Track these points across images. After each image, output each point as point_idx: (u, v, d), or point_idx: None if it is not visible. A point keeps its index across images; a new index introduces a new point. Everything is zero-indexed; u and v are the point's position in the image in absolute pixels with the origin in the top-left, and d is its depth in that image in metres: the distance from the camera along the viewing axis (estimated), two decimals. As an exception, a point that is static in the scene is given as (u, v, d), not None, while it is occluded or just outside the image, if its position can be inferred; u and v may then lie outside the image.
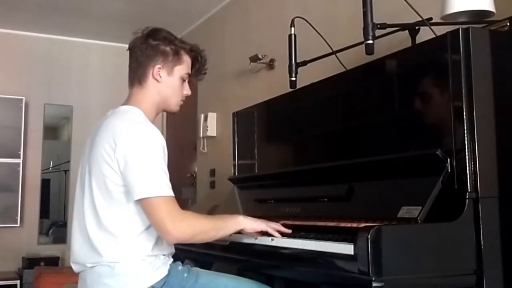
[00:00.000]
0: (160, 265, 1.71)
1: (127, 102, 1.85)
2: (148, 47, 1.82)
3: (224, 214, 1.99)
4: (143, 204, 1.64)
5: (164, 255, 1.75)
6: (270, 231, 1.80)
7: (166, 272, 1.70)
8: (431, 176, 1.58)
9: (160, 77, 1.82)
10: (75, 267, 1.78)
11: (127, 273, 1.66)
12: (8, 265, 4.84)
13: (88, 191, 1.73)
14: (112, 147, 1.67)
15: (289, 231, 1.82)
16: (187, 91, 1.91)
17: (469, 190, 1.52)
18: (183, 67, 1.86)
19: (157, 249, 1.72)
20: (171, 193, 1.65)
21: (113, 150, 1.66)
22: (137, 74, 1.84)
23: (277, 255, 1.76)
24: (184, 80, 1.88)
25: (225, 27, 4.35)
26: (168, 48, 1.83)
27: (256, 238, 1.86)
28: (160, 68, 1.82)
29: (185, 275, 1.74)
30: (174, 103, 1.89)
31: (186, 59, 1.87)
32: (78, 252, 1.75)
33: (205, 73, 1.96)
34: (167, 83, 1.84)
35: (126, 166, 1.64)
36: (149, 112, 1.82)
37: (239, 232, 1.84)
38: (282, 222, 1.91)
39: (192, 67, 1.91)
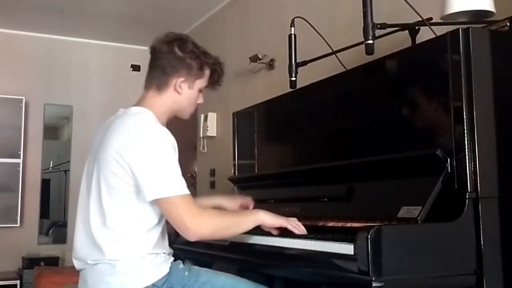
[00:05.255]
0: (161, 263, 1.72)
1: (140, 103, 1.85)
2: (174, 58, 1.82)
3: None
4: (160, 204, 1.66)
5: (164, 253, 1.76)
6: (290, 227, 1.80)
7: (167, 270, 1.71)
8: (431, 176, 1.58)
9: (181, 89, 1.84)
10: (76, 264, 1.79)
11: (128, 271, 1.67)
12: (8, 265, 4.84)
13: (95, 189, 1.73)
14: (124, 148, 1.67)
15: (305, 232, 1.80)
16: (200, 100, 1.93)
17: (469, 190, 1.52)
18: (203, 81, 1.89)
19: (158, 248, 1.73)
20: (187, 191, 1.67)
21: (125, 150, 1.66)
22: (157, 80, 1.84)
23: (277, 255, 1.76)
24: (200, 91, 1.91)
25: (225, 27, 4.35)
26: (194, 63, 1.84)
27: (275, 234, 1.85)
28: (183, 81, 1.83)
29: (186, 273, 1.75)
30: (188, 112, 1.93)
31: (207, 73, 1.89)
32: (80, 248, 1.76)
33: (220, 84, 1.98)
34: (186, 95, 1.86)
35: (139, 166, 1.65)
36: (160, 117, 1.82)
37: (258, 227, 1.83)
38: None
39: (209, 78, 1.92)
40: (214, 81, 1.94)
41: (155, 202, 1.67)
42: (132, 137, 1.68)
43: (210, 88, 1.95)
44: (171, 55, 1.82)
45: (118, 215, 1.69)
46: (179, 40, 1.85)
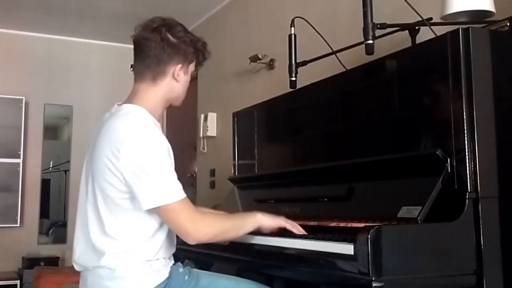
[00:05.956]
0: (161, 267, 1.69)
1: (132, 99, 1.76)
2: (169, 45, 1.75)
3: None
4: (158, 211, 1.63)
5: (165, 258, 1.73)
6: (289, 227, 1.80)
7: (167, 275, 1.69)
8: (431, 176, 1.58)
9: (179, 76, 1.78)
10: (76, 267, 1.77)
11: (128, 275, 1.65)
12: (8, 265, 4.84)
13: (92, 195, 1.70)
14: (115, 155, 1.61)
15: (304, 232, 1.80)
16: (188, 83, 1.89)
17: (469, 190, 1.52)
18: (194, 64, 1.85)
19: (160, 254, 1.70)
20: (184, 195, 1.63)
21: (117, 158, 1.61)
22: (153, 71, 1.75)
23: (277, 255, 1.76)
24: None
25: (225, 27, 4.35)
26: (188, 48, 1.79)
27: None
28: (181, 67, 1.78)
29: (186, 277, 1.73)
30: (182, 99, 1.87)
31: (197, 56, 1.85)
32: (80, 254, 1.73)
33: (202, 65, 1.92)
34: (183, 81, 1.81)
35: (132, 175, 1.60)
36: (156, 109, 1.77)
37: (257, 230, 1.82)
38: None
39: (197, 60, 1.87)
40: (200, 63, 1.88)
41: (153, 210, 1.63)
42: (124, 143, 1.61)
43: (194, 69, 1.89)
44: (164, 43, 1.75)
45: (116, 223, 1.66)
46: (168, 26, 1.78)
